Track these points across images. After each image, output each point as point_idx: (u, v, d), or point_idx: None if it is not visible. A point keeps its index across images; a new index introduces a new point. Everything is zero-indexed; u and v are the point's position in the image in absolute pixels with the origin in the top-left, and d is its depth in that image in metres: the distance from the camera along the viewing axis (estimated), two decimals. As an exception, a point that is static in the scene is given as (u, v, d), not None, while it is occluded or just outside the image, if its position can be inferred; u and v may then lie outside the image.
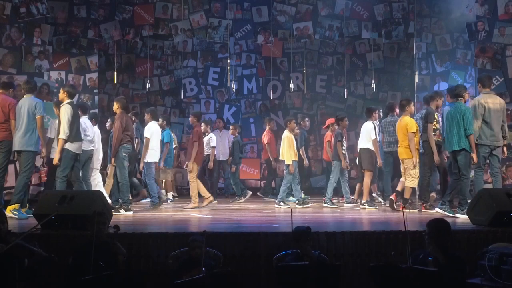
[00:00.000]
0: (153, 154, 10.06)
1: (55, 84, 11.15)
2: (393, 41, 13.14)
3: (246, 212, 9.95)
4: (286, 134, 10.61)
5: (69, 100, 8.32)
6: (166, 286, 6.07)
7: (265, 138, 11.85)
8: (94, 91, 12.46)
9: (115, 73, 12.60)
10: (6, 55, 10.10)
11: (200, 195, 10.12)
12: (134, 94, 14.05)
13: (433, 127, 9.06)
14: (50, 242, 6.50)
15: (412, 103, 9.57)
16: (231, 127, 12.33)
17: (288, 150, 10.41)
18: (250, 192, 11.85)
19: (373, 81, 12.74)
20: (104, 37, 12.52)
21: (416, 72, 12.56)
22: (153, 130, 10.14)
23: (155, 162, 10.24)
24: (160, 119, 11.07)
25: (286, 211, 9.68)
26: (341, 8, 12.50)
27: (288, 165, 10.42)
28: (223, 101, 14.16)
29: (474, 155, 8.11)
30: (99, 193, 7.60)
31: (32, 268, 5.42)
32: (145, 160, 9.98)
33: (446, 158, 9.30)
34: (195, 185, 10.07)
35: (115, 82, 12.99)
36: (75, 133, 8.26)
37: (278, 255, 6.07)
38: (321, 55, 14.18)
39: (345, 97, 13.38)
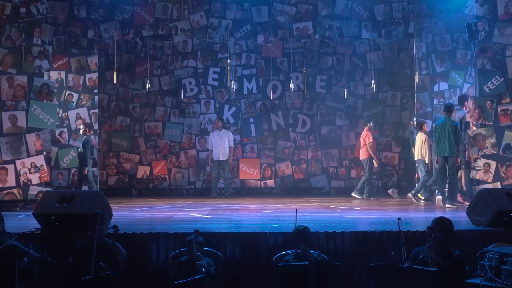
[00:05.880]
0: None
1: (55, 84, 11.15)
2: (393, 41, 13.13)
3: (246, 212, 9.96)
4: (424, 136, 11.27)
5: None
6: (166, 286, 6.07)
7: (369, 138, 12.11)
8: (94, 91, 12.46)
9: (115, 73, 12.61)
10: (6, 55, 10.08)
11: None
12: (134, 94, 14.04)
13: None
14: (50, 242, 6.51)
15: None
16: (81, 126, 11.54)
17: (428, 151, 11.10)
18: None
19: (373, 81, 12.75)
20: (104, 37, 12.52)
21: (416, 72, 12.57)
22: None
23: None
24: None
25: (285, 210, 9.67)
26: (341, 8, 12.49)
27: (427, 164, 11.09)
28: (223, 101, 14.14)
29: (459, 159, 10.11)
30: (99, 193, 7.60)
31: (27, 268, 5.44)
32: None
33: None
34: None
35: (115, 82, 12.99)
36: None
37: (278, 255, 6.08)
38: (321, 55, 14.17)
39: (345, 97, 13.36)
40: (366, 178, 12.24)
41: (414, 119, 12.47)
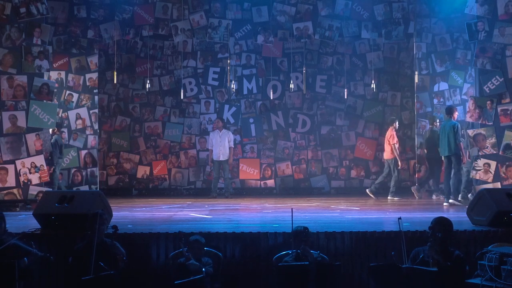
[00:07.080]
0: None
1: (55, 84, 11.15)
2: (393, 41, 13.14)
3: (246, 212, 9.96)
4: None
5: None
6: (166, 286, 6.07)
7: (393, 138, 11.84)
8: (94, 91, 12.47)
9: (115, 73, 12.61)
10: (6, 55, 10.08)
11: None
12: (134, 94, 14.04)
13: None
14: (50, 242, 6.51)
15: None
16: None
17: None
18: None
19: (373, 81, 12.75)
20: (104, 37, 12.53)
21: (416, 72, 12.57)
22: None
23: None
24: None
25: (285, 210, 9.66)
26: (341, 8, 12.50)
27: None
28: (223, 101, 14.14)
29: (464, 158, 10.31)
30: (99, 193, 7.60)
31: (28, 268, 5.44)
32: None
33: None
34: None
35: (115, 82, 12.99)
36: None
37: (278, 255, 6.08)
38: (321, 55, 14.16)
39: (345, 97, 13.36)
40: (396, 178, 11.92)
41: (438, 120, 12.29)
